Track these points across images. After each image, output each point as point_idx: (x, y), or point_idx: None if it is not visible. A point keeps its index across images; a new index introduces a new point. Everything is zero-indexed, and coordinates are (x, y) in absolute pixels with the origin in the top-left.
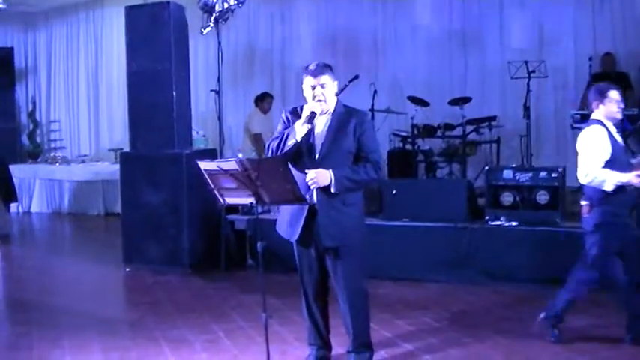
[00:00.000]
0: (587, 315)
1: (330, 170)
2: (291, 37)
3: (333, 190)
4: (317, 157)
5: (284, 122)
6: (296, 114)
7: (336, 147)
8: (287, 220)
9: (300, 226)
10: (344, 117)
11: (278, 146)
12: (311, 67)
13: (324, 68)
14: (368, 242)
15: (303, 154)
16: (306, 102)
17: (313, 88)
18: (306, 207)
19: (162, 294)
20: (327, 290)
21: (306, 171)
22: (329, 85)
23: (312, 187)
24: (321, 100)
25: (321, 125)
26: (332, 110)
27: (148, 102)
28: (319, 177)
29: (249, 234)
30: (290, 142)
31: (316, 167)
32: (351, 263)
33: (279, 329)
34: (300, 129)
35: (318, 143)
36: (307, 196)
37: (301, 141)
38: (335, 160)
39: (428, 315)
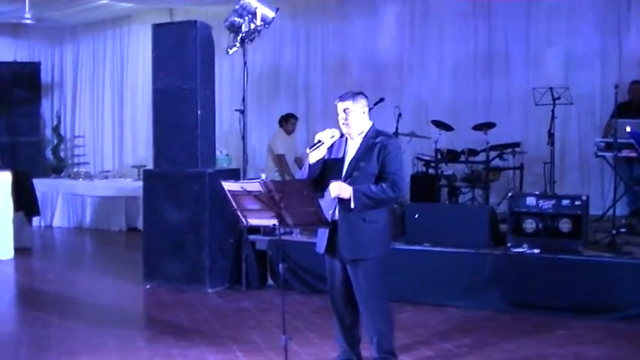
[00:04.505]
0: (604, 346)
1: (351, 187)
2: (316, 58)
3: (352, 206)
4: (342, 177)
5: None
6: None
7: (360, 168)
8: (319, 235)
9: (326, 239)
10: (371, 141)
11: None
12: (342, 94)
13: (349, 95)
14: (391, 260)
15: (332, 175)
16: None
17: (342, 112)
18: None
19: (181, 312)
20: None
21: (331, 181)
22: (352, 111)
23: (332, 196)
24: (344, 124)
25: (353, 149)
26: (364, 134)
27: (173, 120)
28: (341, 188)
29: (270, 254)
30: (305, 165)
31: None
32: (369, 276)
33: (298, 350)
34: (311, 155)
35: (346, 165)
36: (330, 212)
37: (330, 162)
38: (358, 181)
39: (448, 341)
